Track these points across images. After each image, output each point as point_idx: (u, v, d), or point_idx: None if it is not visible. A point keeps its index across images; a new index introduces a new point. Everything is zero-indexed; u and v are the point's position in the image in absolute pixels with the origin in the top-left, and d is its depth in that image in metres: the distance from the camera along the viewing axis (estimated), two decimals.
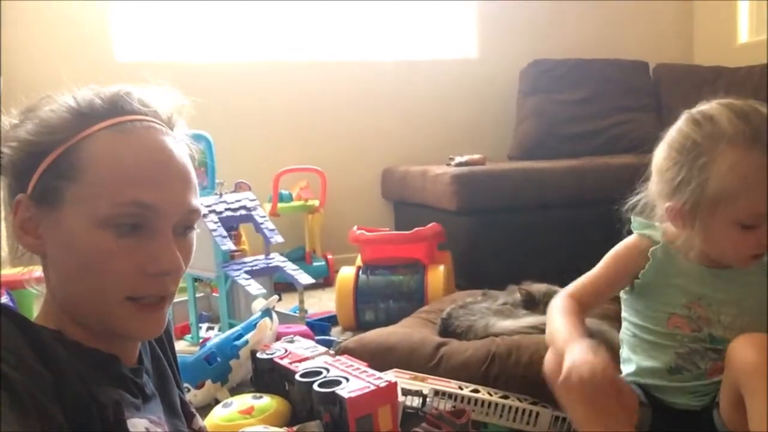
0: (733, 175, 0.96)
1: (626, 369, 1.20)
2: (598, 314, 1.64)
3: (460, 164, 2.74)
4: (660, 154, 1.06)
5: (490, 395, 1.32)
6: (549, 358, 1.07)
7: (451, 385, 1.34)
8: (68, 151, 0.67)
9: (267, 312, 1.69)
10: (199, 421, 0.89)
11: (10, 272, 1.94)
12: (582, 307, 1.12)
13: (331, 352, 1.49)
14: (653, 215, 1.11)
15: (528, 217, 2.61)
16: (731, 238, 1.00)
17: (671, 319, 1.10)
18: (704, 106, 1.03)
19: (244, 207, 2.00)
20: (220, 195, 2.00)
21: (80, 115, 0.69)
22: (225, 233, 1.87)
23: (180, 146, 0.73)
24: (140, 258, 0.67)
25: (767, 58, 3.06)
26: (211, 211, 1.90)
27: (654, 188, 1.07)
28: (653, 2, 3.83)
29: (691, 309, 1.09)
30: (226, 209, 1.96)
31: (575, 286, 1.16)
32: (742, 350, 0.97)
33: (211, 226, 1.86)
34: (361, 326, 2.13)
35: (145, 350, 0.80)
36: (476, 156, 2.82)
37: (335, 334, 2.13)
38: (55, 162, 0.67)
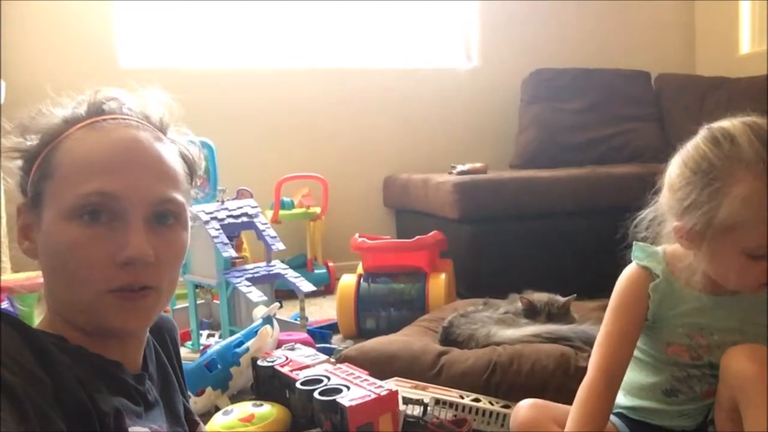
0: (748, 205, 0.90)
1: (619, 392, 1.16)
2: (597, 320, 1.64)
3: (461, 172, 2.74)
4: (674, 170, 1.00)
5: (492, 404, 1.32)
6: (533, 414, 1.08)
7: (452, 394, 1.33)
8: (49, 152, 0.70)
9: (268, 319, 1.69)
10: (203, 429, 0.89)
11: (11, 277, 1.94)
12: (610, 380, 1.04)
13: (332, 360, 1.48)
14: (660, 231, 1.06)
15: (530, 226, 2.61)
16: (738, 266, 0.95)
17: (671, 347, 1.07)
18: (725, 123, 0.96)
19: (245, 214, 2.00)
20: (222, 202, 2.00)
21: (65, 120, 0.72)
22: (226, 240, 1.87)
23: (163, 144, 0.74)
24: (108, 247, 0.67)
25: None
26: (212, 218, 1.90)
27: (665, 203, 1.02)
28: (655, 13, 3.84)
29: (692, 338, 1.05)
30: (228, 216, 1.95)
31: (597, 358, 1.06)
32: (737, 361, 0.97)
33: (213, 233, 1.86)
34: (362, 334, 2.13)
35: (150, 356, 0.80)
36: (478, 164, 2.82)
37: (336, 342, 2.12)
38: (40, 165, 0.70)
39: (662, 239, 1.08)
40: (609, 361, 1.05)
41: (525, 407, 1.11)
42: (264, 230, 1.99)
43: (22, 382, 0.56)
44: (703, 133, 0.98)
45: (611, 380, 1.04)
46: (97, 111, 0.72)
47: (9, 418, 0.52)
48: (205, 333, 2.13)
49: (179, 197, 0.72)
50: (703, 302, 1.04)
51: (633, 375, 1.12)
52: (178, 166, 0.74)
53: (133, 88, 0.76)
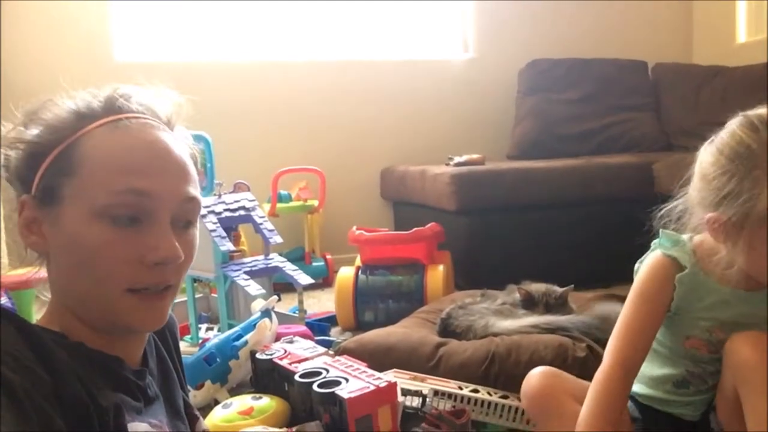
0: None
1: None
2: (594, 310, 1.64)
3: (459, 164, 2.74)
4: (707, 158, 0.95)
5: (490, 395, 1.32)
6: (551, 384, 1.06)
7: (450, 385, 1.34)
8: (67, 149, 0.69)
9: (266, 312, 1.69)
10: (203, 424, 0.89)
11: (9, 274, 1.94)
12: (627, 371, 1.02)
13: (331, 352, 1.48)
14: (685, 224, 1.03)
15: (527, 217, 2.62)
16: None
17: (689, 340, 1.05)
18: (762, 110, 0.92)
19: (243, 207, 2.00)
20: (219, 195, 2.00)
21: (79, 115, 0.71)
22: (224, 234, 1.87)
23: (178, 143, 0.74)
24: (138, 247, 0.68)
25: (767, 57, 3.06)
26: (210, 212, 1.90)
27: (695, 195, 0.97)
28: (652, 2, 3.83)
29: (712, 333, 1.03)
30: (225, 210, 1.95)
31: (615, 348, 1.03)
32: (739, 348, 0.96)
33: (210, 226, 1.85)
34: (360, 326, 2.13)
35: (150, 351, 0.80)
36: (475, 156, 2.82)
37: (334, 334, 2.13)
38: (55, 160, 0.69)
39: (693, 229, 1.03)
40: (628, 352, 1.02)
41: (537, 375, 1.09)
42: (261, 223, 1.99)
43: (22, 380, 0.56)
44: (738, 119, 0.94)
45: (629, 372, 1.02)
46: (113, 108, 0.71)
47: (8, 416, 0.52)
48: (203, 326, 2.13)
49: (198, 196, 0.74)
50: (728, 297, 1.01)
51: (645, 365, 1.08)
52: (191, 164, 0.75)
53: (140, 83, 0.76)
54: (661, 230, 1.05)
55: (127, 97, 0.73)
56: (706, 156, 0.96)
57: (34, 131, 0.70)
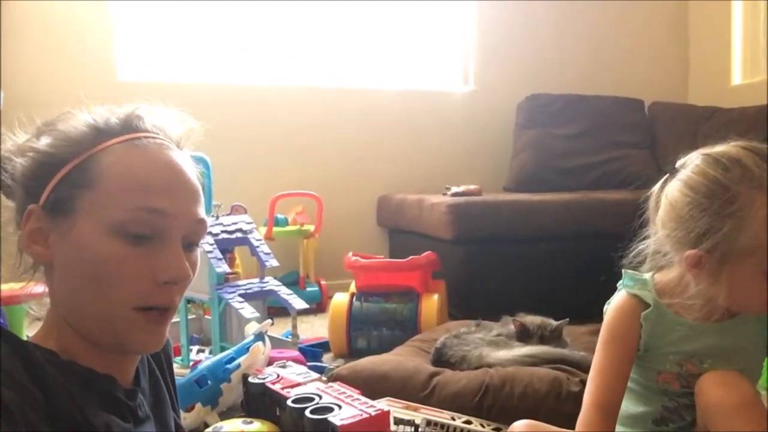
0: None
1: None
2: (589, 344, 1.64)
3: (456, 194, 2.76)
4: (679, 198, 0.98)
5: (483, 426, 1.31)
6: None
7: (443, 416, 1.33)
8: (84, 162, 0.69)
9: (260, 336, 1.68)
10: None
11: (2, 288, 1.92)
12: (606, 414, 1.03)
13: (324, 378, 1.47)
14: (664, 263, 1.05)
15: (523, 249, 2.62)
16: (757, 287, 0.94)
17: (661, 375, 1.06)
18: (722, 148, 0.97)
19: (240, 230, 2.00)
20: (217, 217, 2.00)
21: (97, 130, 0.71)
22: (220, 255, 1.86)
23: (190, 165, 0.75)
24: (150, 265, 0.68)
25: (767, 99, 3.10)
26: (207, 233, 1.90)
27: (670, 235, 1.00)
28: (650, 42, 3.91)
29: (682, 366, 1.04)
30: (222, 231, 1.95)
31: (591, 393, 1.05)
32: (708, 389, 0.97)
33: (207, 247, 1.85)
34: (353, 353, 2.12)
35: (143, 370, 0.79)
36: (472, 186, 2.83)
37: (327, 360, 2.11)
38: (70, 172, 0.69)
39: (654, 267, 1.07)
40: (604, 393, 1.03)
41: (520, 427, 1.10)
42: (258, 246, 1.99)
43: (15, 397, 0.55)
44: (703, 159, 0.97)
45: (608, 413, 1.03)
46: (131, 126, 0.72)
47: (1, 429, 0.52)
48: (195, 348, 2.12)
49: (206, 218, 0.75)
50: (695, 330, 1.03)
51: (623, 405, 1.10)
52: (200, 186, 0.76)
53: (157, 104, 0.77)
54: (623, 270, 1.09)
55: (144, 116, 0.74)
56: (677, 195, 0.98)
57: (47, 141, 0.71)
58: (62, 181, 0.69)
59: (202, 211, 0.74)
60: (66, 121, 0.72)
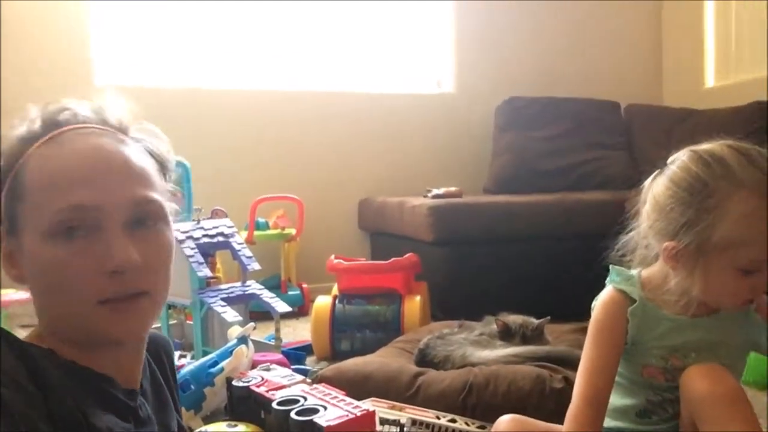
0: (746, 222, 0.94)
1: None
2: (571, 342, 1.66)
3: (437, 196, 2.77)
4: (662, 192, 1.02)
5: (468, 425, 1.32)
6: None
7: (428, 415, 1.33)
8: (15, 175, 0.68)
9: (243, 339, 1.67)
10: None
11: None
12: (596, 408, 1.04)
13: (308, 380, 1.47)
14: (634, 256, 1.09)
15: (503, 249, 2.64)
16: (730, 282, 0.98)
17: (646, 369, 1.08)
18: (709, 146, 1.01)
19: (221, 234, 1.99)
20: (198, 221, 1.99)
21: (23, 139, 0.70)
22: (202, 259, 1.85)
23: (130, 147, 0.72)
24: (94, 257, 0.66)
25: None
26: (188, 237, 1.89)
27: (650, 225, 1.04)
28: (624, 46, 3.97)
29: (667, 360, 1.06)
30: (204, 236, 1.94)
31: (580, 387, 1.06)
32: (693, 382, 0.99)
33: (188, 252, 1.84)
34: (336, 356, 2.12)
35: (144, 372, 0.78)
36: (453, 188, 2.85)
37: (310, 363, 2.11)
38: (8, 189, 0.69)
39: (640, 263, 1.09)
40: (593, 388, 1.05)
41: (505, 422, 1.11)
42: (240, 250, 1.98)
43: (15, 396, 0.55)
44: (689, 155, 1.01)
45: (597, 408, 1.04)
46: (52, 124, 0.70)
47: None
48: (177, 353, 2.10)
49: (154, 195, 0.71)
50: (679, 324, 1.05)
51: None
52: (148, 165, 0.73)
53: (89, 99, 0.75)
54: (611, 266, 1.11)
55: (62, 110, 0.71)
56: (660, 189, 1.02)
57: None
58: (5, 200, 0.69)
59: (146, 191, 0.70)
60: (5, 138, 0.71)
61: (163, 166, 0.77)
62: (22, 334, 0.72)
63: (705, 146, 1.02)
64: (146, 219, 0.70)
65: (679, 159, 1.03)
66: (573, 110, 3.55)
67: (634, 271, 1.10)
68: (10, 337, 0.61)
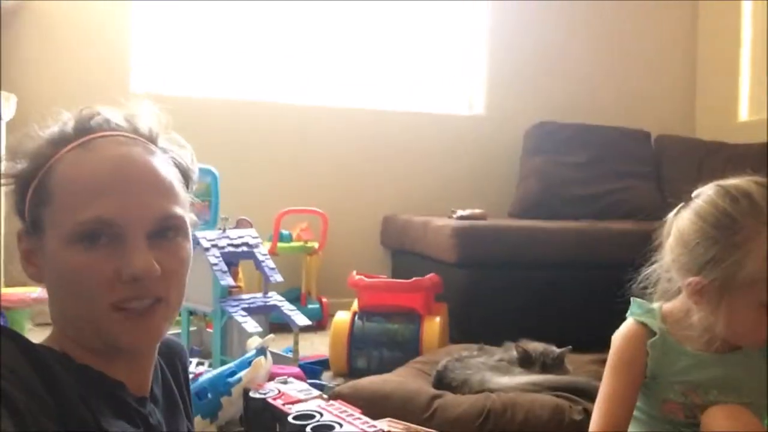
0: None
1: None
2: (590, 373, 1.63)
3: (462, 217, 2.76)
4: (688, 226, 1.00)
5: None
6: None
7: None
8: (43, 177, 0.69)
9: (261, 350, 1.67)
10: None
11: (3, 292, 1.92)
12: None
13: (325, 396, 1.47)
14: (656, 289, 1.07)
15: (526, 275, 2.62)
16: (755, 319, 0.96)
17: (666, 404, 1.06)
18: (735, 181, 1.00)
19: (246, 243, 2.01)
20: (224, 230, 2.01)
21: (53, 142, 0.70)
22: (225, 268, 1.86)
23: (158, 158, 0.73)
24: (113, 265, 0.66)
25: None
26: (213, 245, 1.90)
27: (674, 260, 1.02)
28: (659, 75, 3.94)
29: (687, 396, 1.05)
30: (229, 245, 1.96)
31: (598, 420, 1.05)
32: (717, 420, 0.97)
33: (212, 260, 1.85)
34: (352, 373, 2.11)
35: (156, 379, 0.79)
36: (478, 210, 2.84)
37: (326, 378, 2.10)
38: (35, 191, 0.69)
39: (662, 296, 1.08)
40: (611, 420, 1.04)
41: None
42: (263, 261, 1.99)
43: (26, 400, 0.56)
44: (716, 190, 1.00)
45: None
46: (84, 129, 0.70)
47: (9, 428, 0.52)
48: (194, 361, 2.11)
49: (178, 211, 0.71)
50: (700, 360, 1.04)
51: None
52: (173, 177, 0.73)
53: (124, 106, 0.76)
54: (632, 298, 1.10)
55: (95, 115, 0.72)
56: (686, 223, 1.01)
57: (20, 165, 0.71)
58: (31, 201, 0.70)
59: (167, 205, 0.70)
60: (30, 140, 0.71)
61: (186, 177, 0.77)
62: (41, 333, 0.73)
63: (731, 181, 1.00)
64: (168, 231, 0.71)
65: (705, 193, 1.01)
66: (603, 137, 3.52)
67: (655, 304, 1.09)
68: (20, 339, 0.62)
